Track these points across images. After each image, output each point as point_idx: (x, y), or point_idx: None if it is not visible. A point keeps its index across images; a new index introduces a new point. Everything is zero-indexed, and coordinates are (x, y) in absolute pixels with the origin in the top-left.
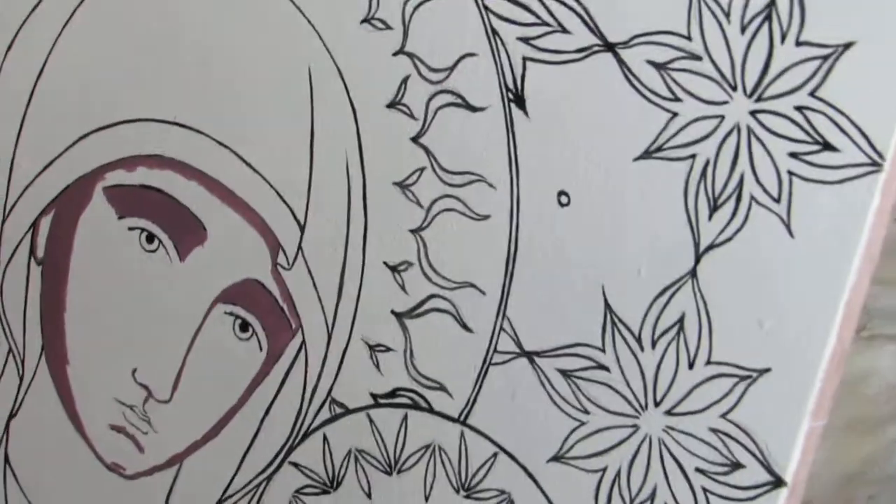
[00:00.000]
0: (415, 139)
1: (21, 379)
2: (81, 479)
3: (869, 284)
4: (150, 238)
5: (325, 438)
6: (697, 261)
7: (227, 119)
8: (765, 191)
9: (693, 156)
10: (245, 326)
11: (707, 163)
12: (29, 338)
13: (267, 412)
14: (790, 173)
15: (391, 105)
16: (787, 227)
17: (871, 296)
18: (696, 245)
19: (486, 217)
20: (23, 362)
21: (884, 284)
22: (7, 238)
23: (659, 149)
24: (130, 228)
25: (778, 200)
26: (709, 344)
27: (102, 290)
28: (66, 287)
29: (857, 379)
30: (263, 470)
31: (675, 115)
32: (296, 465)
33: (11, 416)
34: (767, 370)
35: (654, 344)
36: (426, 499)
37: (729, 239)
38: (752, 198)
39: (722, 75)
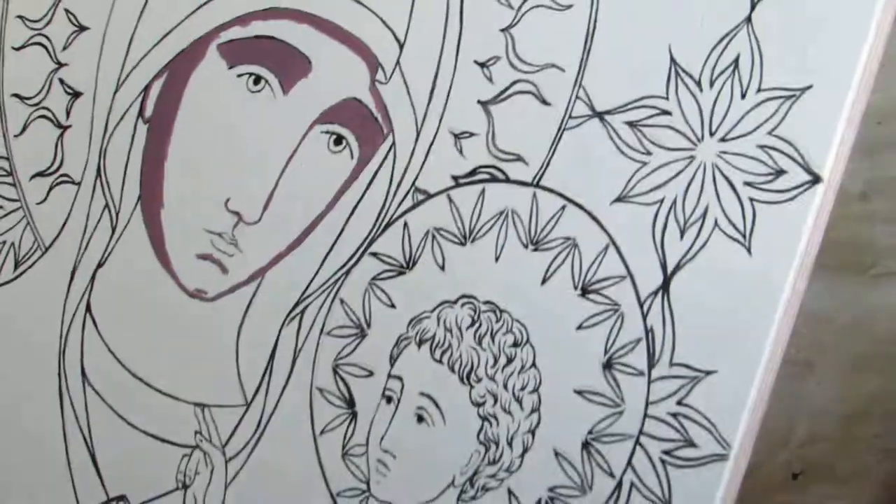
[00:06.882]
0: None
1: (113, 230)
2: (162, 310)
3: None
4: (257, 80)
5: (405, 225)
6: (753, 7)
7: None
8: None
9: None
10: (339, 140)
11: None
12: (127, 189)
13: (352, 212)
14: None
15: None
16: None
17: (882, 235)
18: None
19: (569, 7)
20: (117, 214)
21: (894, 223)
22: (118, 105)
23: None
24: (239, 75)
25: None
26: (760, 74)
27: (205, 136)
28: (170, 139)
29: (864, 317)
30: (343, 265)
31: None
32: (375, 254)
33: (99, 265)
34: (810, 87)
35: (711, 83)
36: (496, 259)
37: None
38: None
39: None
